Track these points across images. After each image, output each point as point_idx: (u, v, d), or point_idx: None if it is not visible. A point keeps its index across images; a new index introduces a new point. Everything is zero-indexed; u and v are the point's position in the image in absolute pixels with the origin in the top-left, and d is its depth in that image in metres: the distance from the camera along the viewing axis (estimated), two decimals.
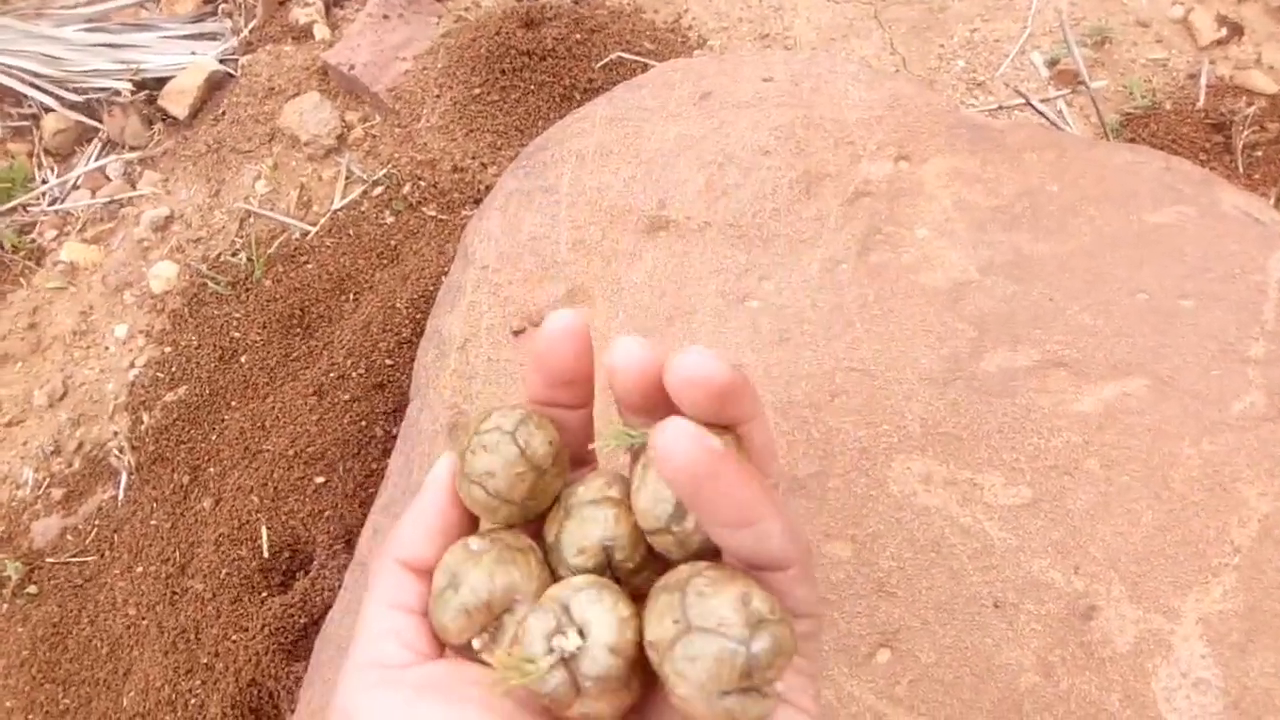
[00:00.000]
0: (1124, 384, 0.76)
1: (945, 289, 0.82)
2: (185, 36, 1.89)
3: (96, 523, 1.32)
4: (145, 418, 1.41)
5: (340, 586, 0.81)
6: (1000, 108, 1.53)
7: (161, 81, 1.82)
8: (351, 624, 0.75)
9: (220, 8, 1.96)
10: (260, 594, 1.10)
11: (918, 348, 0.79)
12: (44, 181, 1.79)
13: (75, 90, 1.82)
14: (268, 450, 1.21)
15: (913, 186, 0.89)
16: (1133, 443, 0.72)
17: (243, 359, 1.40)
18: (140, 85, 1.81)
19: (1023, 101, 1.53)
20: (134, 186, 1.74)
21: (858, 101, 0.96)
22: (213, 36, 1.90)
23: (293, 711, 0.98)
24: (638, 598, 0.33)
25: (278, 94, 1.73)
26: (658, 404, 0.34)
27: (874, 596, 0.69)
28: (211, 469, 1.28)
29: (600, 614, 0.32)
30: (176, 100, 1.78)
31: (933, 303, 0.81)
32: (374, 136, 1.66)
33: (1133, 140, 1.44)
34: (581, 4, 1.72)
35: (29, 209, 1.75)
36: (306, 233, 1.58)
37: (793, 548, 0.32)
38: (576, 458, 0.39)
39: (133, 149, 1.79)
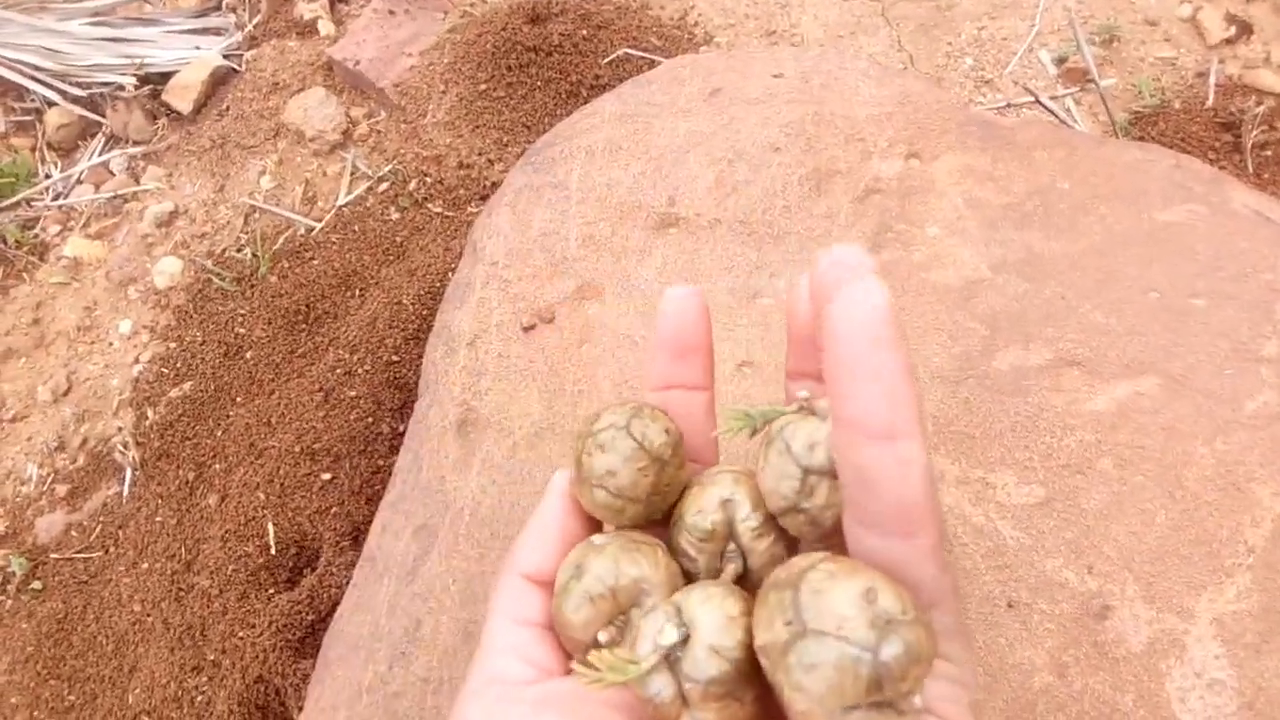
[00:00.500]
0: (1137, 383, 0.75)
1: (957, 287, 0.82)
2: (189, 31, 1.89)
3: (101, 519, 1.32)
4: (150, 414, 1.40)
5: (348, 583, 0.81)
6: (1008, 105, 1.53)
7: (165, 76, 1.81)
8: (362, 622, 0.75)
9: (224, 3, 1.96)
10: (267, 590, 1.09)
11: (929, 346, 0.79)
12: (47, 176, 1.78)
13: (79, 85, 1.81)
14: (273, 446, 1.21)
15: (924, 184, 0.89)
16: (1146, 442, 0.72)
17: (248, 355, 1.40)
18: (144, 80, 1.81)
19: (1030, 99, 1.53)
20: (138, 182, 1.74)
21: (868, 98, 0.96)
22: (217, 31, 1.90)
23: (300, 709, 0.98)
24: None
25: (282, 89, 1.73)
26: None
27: None
28: (217, 465, 1.27)
29: (707, 612, 0.29)
30: (181, 95, 1.78)
31: (944, 301, 0.81)
32: (379, 132, 1.66)
33: (1141, 139, 1.44)
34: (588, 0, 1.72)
35: (32, 204, 1.75)
36: (312, 229, 1.57)
37: (925, 502, 0.27)
38: (697, 454, 0.37)
39: (136, 144, 1.79)
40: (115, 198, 1.72)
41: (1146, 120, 1.46)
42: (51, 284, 1.63)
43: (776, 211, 0.88)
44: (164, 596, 1.16)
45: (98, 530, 1.31)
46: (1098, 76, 1.51)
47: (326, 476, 1.16)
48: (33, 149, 1.83)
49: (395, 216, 1.55)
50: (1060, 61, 1.57)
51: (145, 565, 1.22)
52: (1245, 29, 1.55)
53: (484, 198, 1.53)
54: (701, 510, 0.33)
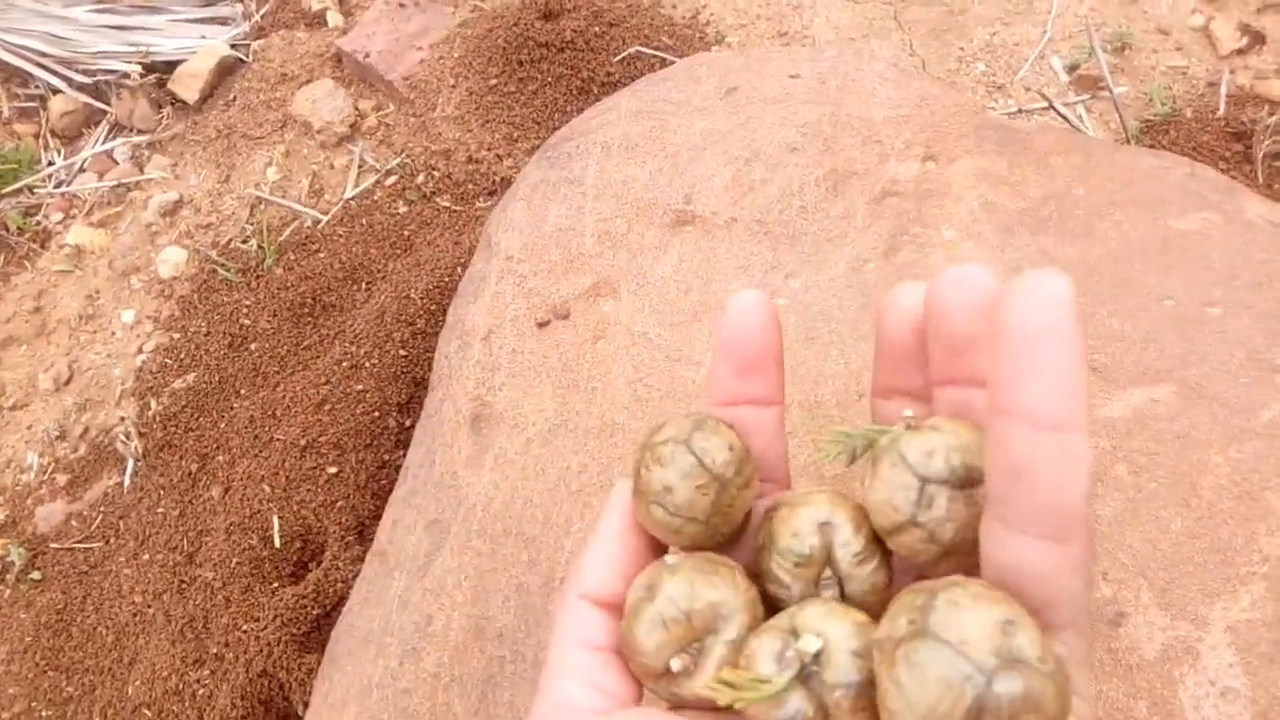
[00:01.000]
0: (1152, 390, 0.75)
1: None
2: (196, 20, 1.88)
3: (102, 509, 1.31)
4: (153, 404, 1.40)
5: (354, 577, 0.80)
6: (1020, 111, 1.53)
7: (171, 65, 1.80)
8: (372, 616, 0.75)
9: None
10: (271, 584, 1.09)
11: None
12: (50, 164, 1.77)
13: (83, 72, 1.80)
14: (278, 439, 1.20)
15: (940, 187, 0.89)
16: (1161, 449, 0.72)
17: (253, 347, 1.39)
18: (149, 68, 1.80)
19: (1042, 105, 1.53)
20: (142, 170, 1.73)
21: (885, 100, 0.96)
22: (224, 21, 1.89)
23: (305, 704, 0.98)
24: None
25: (290, 80, 1.72)
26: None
27: None
28: (221, 457, 1.27)
29: (835, 623, 0.27)
30: (187, 84, 1.77)
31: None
32: (388, 125, 1.65)
33: (1152, 147, 1.44)
34: None
35: (35, 191, 1.74)
36: (318, 221, 1.57)
37: (1083, 506, 0.25)
38: (769, 473, 0.35)
39: (141, 132, 1.78)
40: (119, 186, 1.71)
41: (1158, 129, 1.46)
42: (53, 271, 1.62)
43: (793, 211, 0.88)
44: (165, 588, 1.16)
45: (98, 520, 1.30)
46: (1112, 84, 1.51)
47: (332, 470, 1.15)
48: (36, 136, 1.82)
49: (403, 210, 1.54)
50: (1072, 68, 1.57)
51: (146, 556, 1.21)
52: (1257, 39, 1.56)
53: (492, 192, 1.52)
54: (798, 533, 0.31)
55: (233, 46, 1.81)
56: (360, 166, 1.62)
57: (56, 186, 1.74)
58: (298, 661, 0.99)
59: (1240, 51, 1.54)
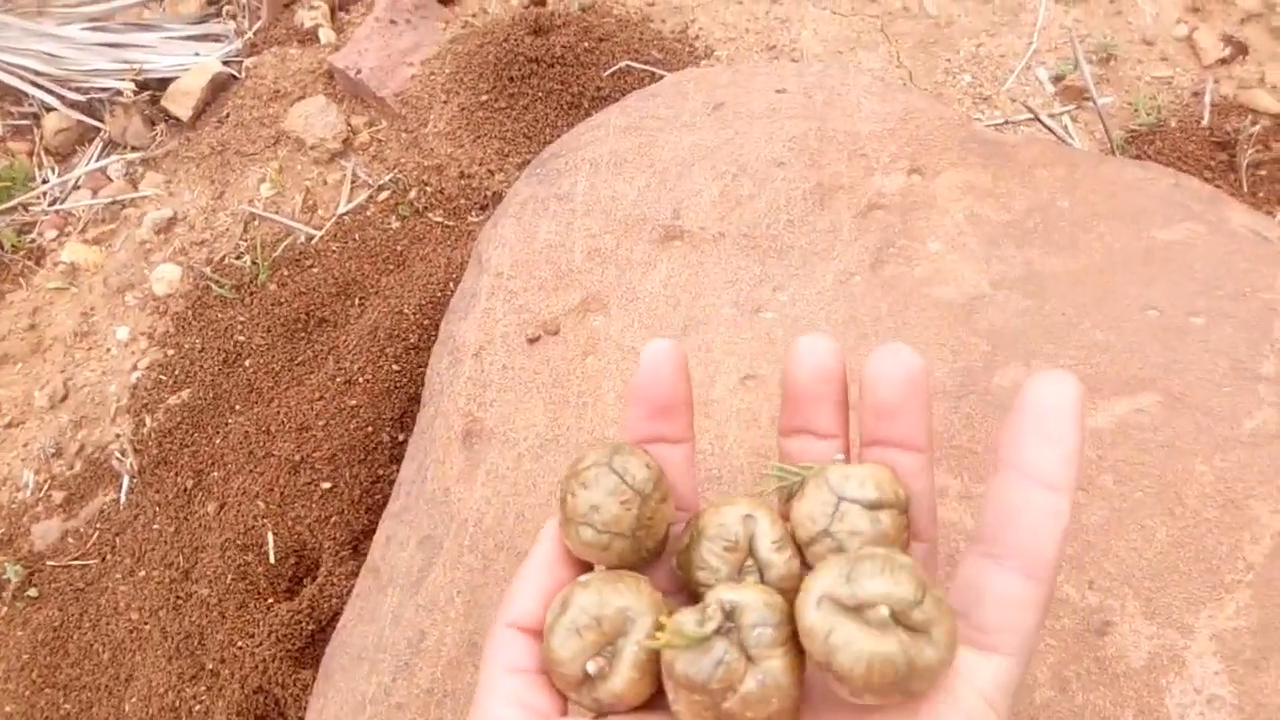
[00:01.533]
0: (1136, 400, 0.76)
1: (958, 303, 0.83)
2: (189, 38, 1.89)
3: (98, 526, 1.32)
4: (148, 420, 1.40)
5: (349, 593, 0.81)
6: (1006, 122, 1.54)
7: (164, 82, 1.81)
8: (366, 632, 0.75)
9: (224, 9, 1.96)
10: (266, 600, 1.09)
11: (931, 361, 0.79)
12: (44, 181, 1.78)
13: (77, 90, 1.81)
14: (273, 455, 1.21)
15: (925, 200, 0.90)
16: (1146, 459, 0.73)
17: (247, 363, 1.40)
18: (143, 86, 1.81)
19: (1028, 116, 1.54)
20: (136, 187, 1.74)
21: (871, 114, 0.97)
22: (216, 38, 1.90)
23: (300, 719, 0.98)
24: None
25: (283, 97, 1.73)
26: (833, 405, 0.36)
27: None
28: (215, 473, 1.27)
29: (747, 591, 0.31)
30: (180, 101, 1.78)
31: (946, 316, 0.82)
32: (380, 141, 1.66)
33: (1138, 157, 1.45)
34: (590, 12, 1.73)
35: (29, 208, 1.74)
36: (311, 237, 1.58)
37: (1056, 556, 0.32)
38: (681, 503, 0.38)
39: (135, 149, 1.79)
40: (113, 203, 1.72)
41: (1143, 138, 1.47)
42: (48, 289, 1.63)
43: (780, 225, 0.89)
44: (161, 605, 1.16)
45: (94, 537, 1.31)
46: (1096, 95, 1.52)
47: (326, 485, 1.16)
48: (30, 153, 1.82)
49: (395, 225, 1.55)
50: (1057, 79, 1.59)
51: (143, 573, 1.22)
52: (1240, 49, 1.57)
53: (484, 207, 1.53)
54: (724, 523, 0.34)
55: (225, 64, 1.82)
56: (353, 182, 1.63)
57: (51, 204, 1.74)
58: (293, 677, 1.00)
59: (1224, 61, 1.56)
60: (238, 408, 1.35)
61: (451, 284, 1.32)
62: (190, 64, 1.82)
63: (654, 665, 0.33)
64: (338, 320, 1.40)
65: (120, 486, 1.35)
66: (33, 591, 1.28)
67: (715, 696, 0.30)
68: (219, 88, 1.81)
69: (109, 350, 1.53)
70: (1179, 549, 0.69)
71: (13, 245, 1.67)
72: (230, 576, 1.11)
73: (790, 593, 0.32)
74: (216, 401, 1.37)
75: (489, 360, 0.85)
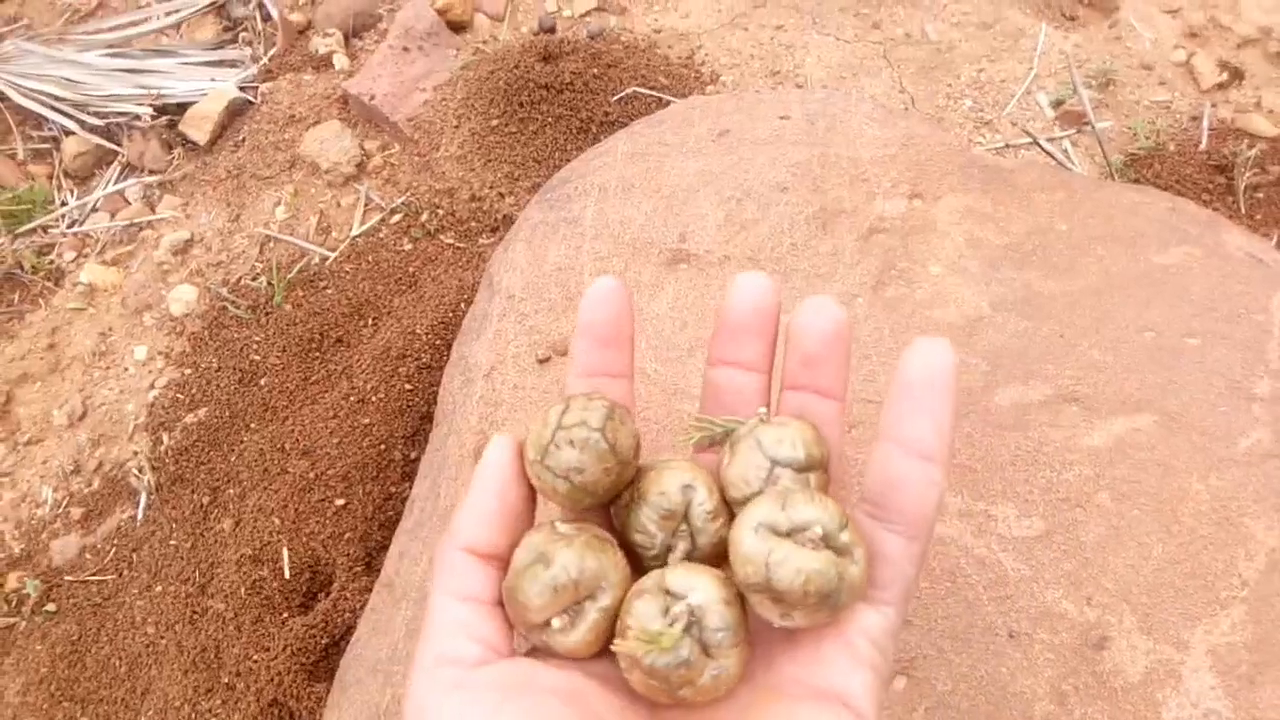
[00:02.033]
0: (1133, 419, 0.78)
1: (958, 324, 0.85)
2: (205, 63, 1.93)
3: (115, 542, 1.34)
4: (165, 438, 1.43)
5: (362, 607, 0.83)
6: (1007, 146, 1.57)
7: (182, 107, 1.85)
8: (380, 645, 0.77)
9: (240, 36, 2.00)
10: (281, 614, 1.11)
11: None
12: (63, 203, 1.81)
13: (96, 114, 1.85)
14: (288, 472, 1.23)
15: (926, 224, 0.92)
16: (1142, 477, 0.74)
17: (262, 382, 1.42)
18: (160, 110, 1.85)
19: (1028, 141, 1.57)
20: (153, 210, 1.77)
21: (872, 140, 0.99)
22: (232, 64, 1.94)
23: None
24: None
25: (298, 122, 1.77)
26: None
27: None
28: (231, 490, 1.29)
29: (699, 581, 0.34)
30: (197, 126, 1.82)
31: (946, 337, 0.84)
32: (393, 165, 1.70)
33: (1137, 180, 1.48)
34: (598, 39, 1.77)
35: (49, 230, 1.78)
36: (326, 258, 1.61)
37: (932, 518, 0.35)
38: None
39: (152, 173, 1.82)
40: (131, 225, 1.75)
41: (1142, 162, 1.50)
42: (67, 309, 1.66)
43: (784, 249, 0.91)
44: (178, 619, 1.18)
45: (112, 553, 1.33)
46: (1094, 120, 1.55)
47: (340, 502, 1.18)
48: (50, 176, 1.86)
49: (408, 247, 1.58)
50: (1057, 104, 1.61)
51: (159, 588, 1.24)
52: (1236, 74, 1.60)
53: (494, 230, 1.56)
54: (664, 492, 0.37)
55: (241, 89, 1.86)
56: (366, 205, 1.66)
57: (70, 226, 1.78)
58: (308, 690, 1.02)
59: (1221, 86, 1.59)
60: (253, 426, 1.38)
61: (463, 305, 1.34)
62: (207, 89, 1.85)
63: (608, 630, 0.35)
64: (351, 340, 1.43)
65: (138, 503, 1.38)
66: (51, 606, 1.31)
67: (674, 685, 0.33)
68: (235, 113, 1.84)
69: (127, 369, 1.56)
70: (1175, 565, 0.71)
71: (32, 266, 1.70)
72: (245, 591, 1.13)
73: (719, 560, 0.36)
74: (232, 420, 1.39)
75: (500, 380, 0.88)
